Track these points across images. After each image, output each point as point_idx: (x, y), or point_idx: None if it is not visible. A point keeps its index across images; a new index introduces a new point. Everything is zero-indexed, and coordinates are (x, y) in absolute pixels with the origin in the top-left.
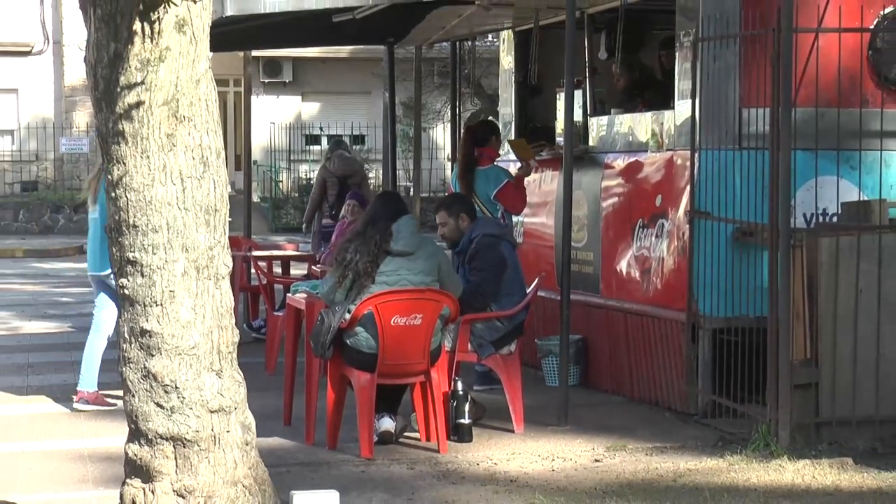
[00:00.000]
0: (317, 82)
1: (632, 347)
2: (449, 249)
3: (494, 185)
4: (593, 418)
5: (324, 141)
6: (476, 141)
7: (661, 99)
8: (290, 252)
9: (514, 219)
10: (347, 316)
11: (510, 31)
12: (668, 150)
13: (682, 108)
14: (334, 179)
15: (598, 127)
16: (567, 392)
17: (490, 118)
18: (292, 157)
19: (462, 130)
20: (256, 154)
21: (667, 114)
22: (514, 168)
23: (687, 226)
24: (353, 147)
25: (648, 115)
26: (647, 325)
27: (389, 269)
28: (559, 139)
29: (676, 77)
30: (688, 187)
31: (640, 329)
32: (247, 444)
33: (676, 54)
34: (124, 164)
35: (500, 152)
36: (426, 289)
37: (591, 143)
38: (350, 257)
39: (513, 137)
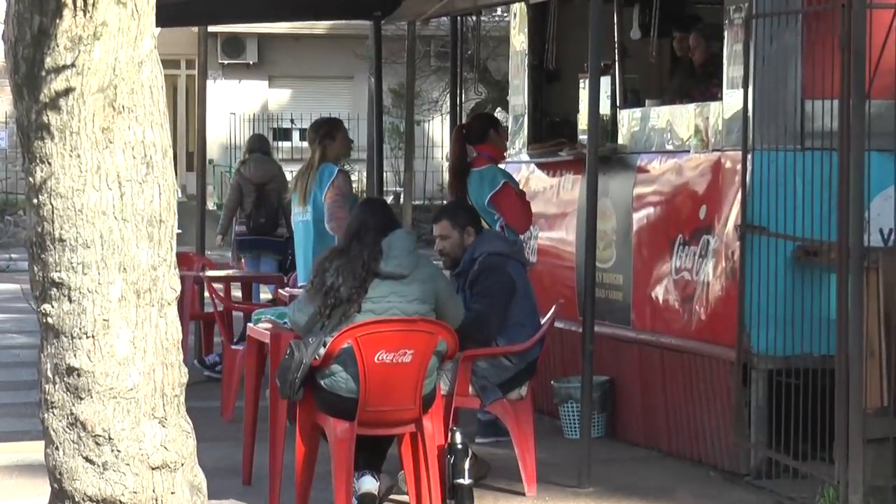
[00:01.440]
0: (287, 64)
1: (669, 391)
2: (446, 270)
3: (490, 188)
4: (622, 478)
5: (296, 136)
6: (470, 138)
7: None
8: (251, 272)
9: (528, 231)
10: (322, 350)
11: (523, 3)
12: (714, 150)
13: (732, 100)
14: (251, 187)
15: (629, 121)
16: (590, 445)
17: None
18: None
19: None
20: (213, 152)
21: (713, 106)
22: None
23: (737, 243)
24: None
25: (691, 107)
26: (688, 365)
27: (377, 294)
28: (582, 136)
29: (725, 61)
30: (738, 196)
31: (680, 369)
32: None
33: (725, 33)
34: (49, 164)
35: (511, 150)
36: (418, 318)
37: (620, 141)
38: (331, 281)
39: (526, 133)
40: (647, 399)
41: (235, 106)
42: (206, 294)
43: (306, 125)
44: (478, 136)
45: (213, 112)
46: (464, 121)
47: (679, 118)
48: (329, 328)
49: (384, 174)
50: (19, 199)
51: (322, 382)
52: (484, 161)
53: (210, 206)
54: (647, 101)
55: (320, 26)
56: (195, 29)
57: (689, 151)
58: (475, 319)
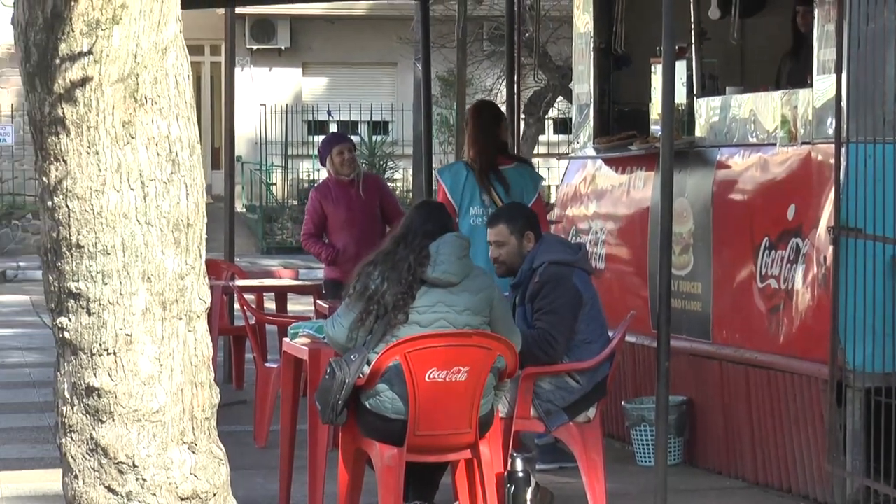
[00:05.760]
0: (323, 50)
1: (754, 413)
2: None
3: (534, 190)
4: None
5: (333, 129)
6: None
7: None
8: (286, 281)
9: (594, 234)
10: (367, 368)
11: None
12: (803, 142)
13: (824, 86)
14: None
15: (707, 111)
16: (665, 474)
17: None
18: (290, 152)
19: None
20: (241, 148)
21: (802, 93)
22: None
23: (830, 247)
24: (374, 137)
25: (777, 95)
26: (775, 383)
27: (423, 303)
28: (654, 128)
29: (816, 44)
30: (831, 194)
31: (766, 388)
32: None
33: (816, 13)
34: (65, 162)
35: (575, 143)
36: (473, 332)
37: (697, 133)
38: (375, 286)
39: (591, 125)
40: (730, 422)
41: (266, 96)
42: (237, 306)
43: (344, 117)
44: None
45: (241, 103)
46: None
47: (764, 107)
48: (373, 343)
49: (433, 171)
50: (28, 201)
51: (366, 403)
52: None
53: (239, 207)
54: (727, 89)
55: (359, 7)
56: (221, 11)
57: (775, 144)
58: (539, 339)
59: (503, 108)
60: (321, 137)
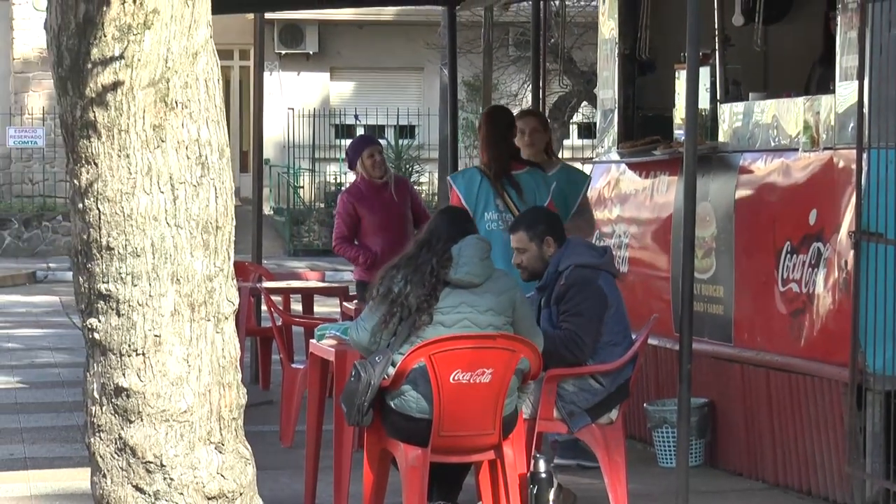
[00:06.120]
0: (351, 55)
1: (775, 415)
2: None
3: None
4: None
5: (360, 133)
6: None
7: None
8: (313, 283)
9: (617, 238)
10: (391, 370)
11: None
12: (825, 148)
13: (846, 92)
14: None
15: (730, 117)
16: (687, 475)
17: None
18: (317, 156)
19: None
20: (269, 151)
21: (824, 100)
22: None
23: (851, 251)
24: (400, 141)
25: (800, 101)
26: (796, 386)
27: (447, 304)
28: (678, 133)
29: (838, 50)
30: (852, 199)
31: (787, 390)
32: None
33: (839, 19)
34: (96, 164)
35: (599, 148)
36: (497, 334)
37: (721, 138)
38: (398, 289)
39: (615, 130)
40: (751, 424)
41: (293, 100)
42: (264, 307)
43: (371, 121)
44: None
45: (270, 107)
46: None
47: (786, 113)
48: (397, 344)
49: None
50: (58, 203)
51: (391, 403)
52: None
53: (266, 210)
54: (750, 95)
55: (387, 13)
56: (250, 16)
57: (797, 150)
58: (567, 339)
59: None
60: (348, 141)
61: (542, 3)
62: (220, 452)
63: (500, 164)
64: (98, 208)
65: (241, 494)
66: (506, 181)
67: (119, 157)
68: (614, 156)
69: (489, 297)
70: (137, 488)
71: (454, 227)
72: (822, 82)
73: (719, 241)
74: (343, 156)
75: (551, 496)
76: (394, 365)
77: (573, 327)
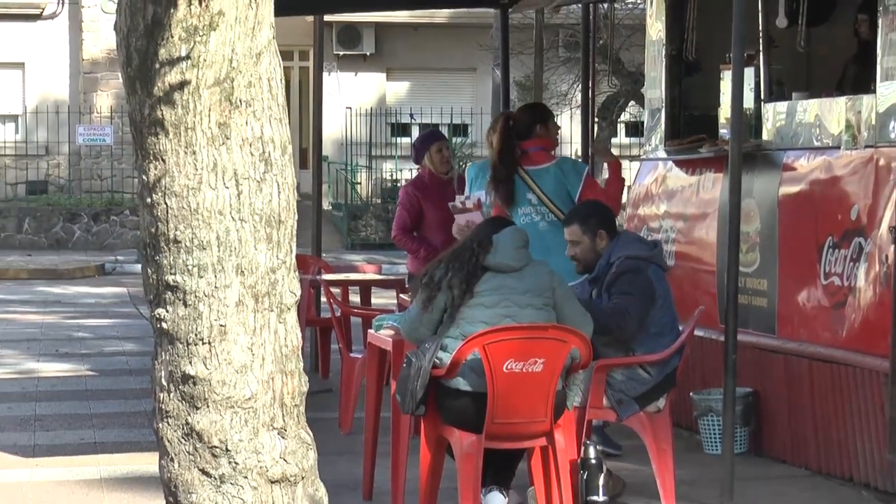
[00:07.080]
0: (406, 56)
1: (818, 404)
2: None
3: (576, 178)
4: (766, 497)
5: (415, 132)
6: (518, 132)
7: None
8: (370, 275)
9: (664, 233)
10: (441, 354)
11: None
12: (867, 146)
13: (887, 92)
14: None
15: (774, 116)
16: (732, 462)
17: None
18: (374, 153)
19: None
20: (328, 148)
21: (865, 99)
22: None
23: (891, 246)
24: (453, 139)
25: (842, 100)
26: (838, 375)
27: (487, 287)
28: (723, 131)
29: (879, 51)
30: (892, 195)
31: (829, 380)
32: None
33: (880, 20)
34: (163, 161)
35: (647, 146)
36: (550, 325)
37: (764, 137)
38: (439, 276)
39: (663, 128)
40: (794, 412)
41: (351, 100)
42: (323, 299)
43: (426, 120)
44: (523, 131)
45: (328, 106)
46: (595, 114)
47: (828, 112)
48: (445, 329)
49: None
50: (125, 198)
51: (446, 385)
52: (542, 157)
53: (325, 205)
54: (793, 94)
55: (441, 15)
56: (309, 18)
57: (839, 148)
58: (614, 311)
59: (577, 113)
60: (404, 139)
61: (591, 5)
62: (283, 438)
63: (508, 166)
64: (165, 203)
65: (303, 478)
66: (533, 174)
67: (185, 153)
68: (661, 153)
69: (527, 279)
70: (204, 472)
71: (496, 227)
72: (855, 80)
73: (763, 236)
74: (398, 153)
75: (601, 482)
76: (443, 348)
77: (622, 301)
